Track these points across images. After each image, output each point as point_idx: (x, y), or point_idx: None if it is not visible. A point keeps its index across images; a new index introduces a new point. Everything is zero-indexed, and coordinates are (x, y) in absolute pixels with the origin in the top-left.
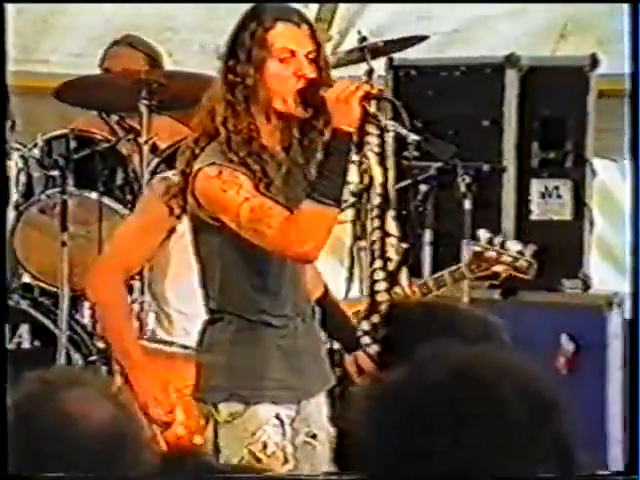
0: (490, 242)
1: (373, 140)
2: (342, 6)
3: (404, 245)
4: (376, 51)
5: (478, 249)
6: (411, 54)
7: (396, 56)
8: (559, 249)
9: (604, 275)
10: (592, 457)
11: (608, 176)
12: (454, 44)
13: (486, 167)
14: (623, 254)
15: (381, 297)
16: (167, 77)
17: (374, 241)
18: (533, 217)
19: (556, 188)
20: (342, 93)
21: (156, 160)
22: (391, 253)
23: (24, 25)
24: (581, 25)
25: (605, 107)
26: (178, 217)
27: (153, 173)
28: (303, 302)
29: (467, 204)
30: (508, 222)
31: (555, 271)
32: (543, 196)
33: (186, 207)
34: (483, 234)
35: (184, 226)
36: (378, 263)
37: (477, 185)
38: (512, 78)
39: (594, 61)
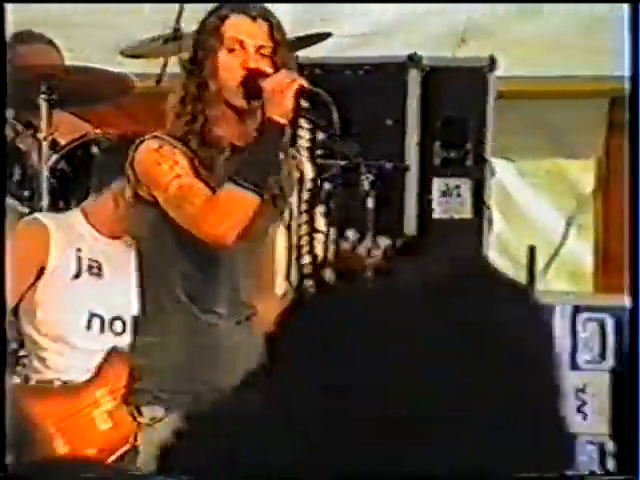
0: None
1: (305, 135)
2: None
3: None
4: None
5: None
6: (318, 53)
7: (301, 54)
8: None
9: None
10: None
11: (505, 176)
12: (361, 47)
13: (389, 166)
14: (519, 252)
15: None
16: (68, 72)
17: (301, 236)
18: (435, 215)
19: (457, 187)
20: (278, 84)
21: (55, 156)
22: (319, 249)
23: None
24: (481, 30)
25: (503, 108)
26: None
27: (52, 170)
28: (239, 304)
29: (370, 202)
30: (410, 220)
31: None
32: (444, 195)
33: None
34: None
35: (53, 264)
36: (306, 259)
37: (380, 183)
38: (414, 78)
39: (492, 62)
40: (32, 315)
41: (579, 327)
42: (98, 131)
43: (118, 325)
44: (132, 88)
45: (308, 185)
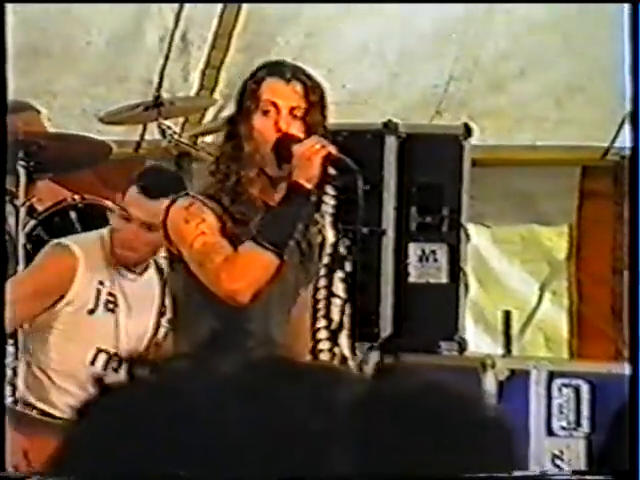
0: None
1: (329, 201)
2: (226, 71)
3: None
4: None
5: None
6: None
7: None
8: (436, 312)
9: (477, 337)
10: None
11: (480, 241)
12: (335, 116)
13: (365, 230)
14: (495, 317)
15: (324, 356)
16: (48, 138)
17: (319, 300)
18: (411, 280)
19: (433, 252)
20: (308, 150)
21: (32, 222)
22: (335, 314)
23: None
24: (455, 104)
25: (478, 176)
26: None
27: (28, 236)
28: None
29: (347, 266)
30: (387, 285)
31: (432, 333)
32: (420, 259)
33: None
34: None
35: (72, 296)
36: (322, 322)
37: (356, 248)
38: (391, 144)
39: (467, 130)
40: (42, 343)
41: (554, 393)
42: (76, 197)
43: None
44: (110, 154)
45: (328, 250)
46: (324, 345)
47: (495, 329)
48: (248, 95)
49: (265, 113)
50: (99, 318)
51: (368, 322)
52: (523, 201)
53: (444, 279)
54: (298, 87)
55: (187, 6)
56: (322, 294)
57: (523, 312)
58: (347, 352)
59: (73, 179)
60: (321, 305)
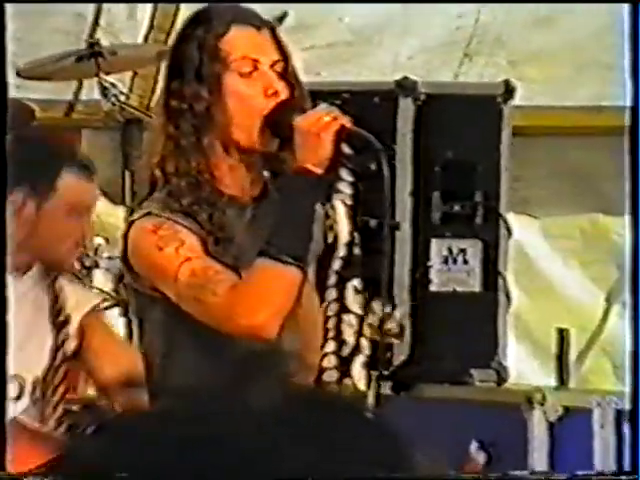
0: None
1: (345, 189)
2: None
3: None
4: None
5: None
6: None
7: None
8: (466, 330)
9: (523, 364)
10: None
11: (526, 237)
12: (332, 63)
13: (373, 223)
14: (546, 337)
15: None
16: None
17: (328, 317)
18: (433, 288)
19: (462, 251)
20: (315, 124)
21: None
22: (348, 335)
23: None
24: (490, 42)
25: (522, 149)
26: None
27: None
28: None
29: (362, 274)
30: (402, 293)
31: (462, 359)
32: (446, 261)
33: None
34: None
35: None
36: (331, 346)
37: (362, 247)
38: (406, 109)
39: (509, 89)
40: None
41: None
42: None
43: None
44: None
45: (342, 252)
46: (331, 376)
47: (546, 353)
48: (208, 54)
49: (245, 75)
50: None
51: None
52: (582, 182)
53: (477, 287)
54: (268, 34)
55: None
56: (332, 309)
57: (584, 331)
58: (362, 385)
59: None
60: (331, 324)
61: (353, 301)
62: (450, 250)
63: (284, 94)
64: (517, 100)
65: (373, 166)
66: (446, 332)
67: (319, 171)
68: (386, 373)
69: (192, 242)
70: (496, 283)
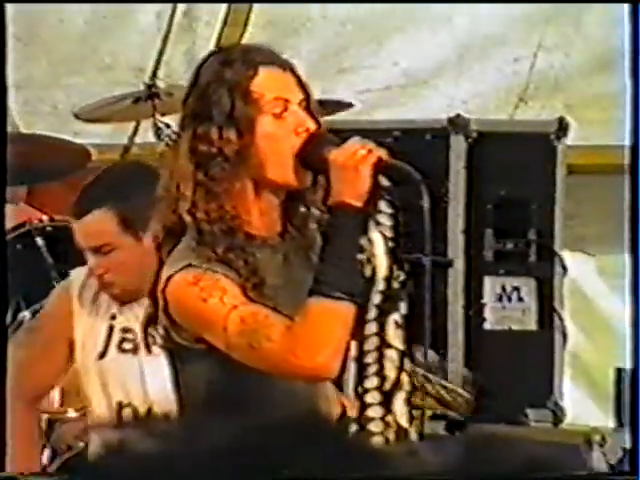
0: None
1: (384, 221)
2: None
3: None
4: None
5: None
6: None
7: None
8: (521, 369)
9: (580, 405)
10: None
11: (581, 274)
12: (385, 105)
13: (427, 260)
14: (605, 377)
15: (375, 427)
16: (13, 142)
17: (368, 351)
18: (487, 326)
19: (516, 289)
20: (351, 157)
21: None
22: (389, 370)
23: None
24: (546, 87)
25: (577, 187)
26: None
27: None
28: None
29: (402, 308)
30: (456, 332)
31: (517, 398)
32: (500, 298)
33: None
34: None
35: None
36: (373, 382)
37: (415, 284)
38: (458, 146)
39: (562, 127)
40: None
41: None
42: (44, 218)
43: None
44: (89, 161)
45: (381, 286)
46: (375, 412)
47: (605, 392)
48: (239, 97)
49: (277, 116)
50: (114, 362)
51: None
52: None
53: (532, 325)
54: (291, 74)
55: None
56: (372, 343)
57: None
58: (404, 422)
59: (40, 193)
60: (370, 359)
61: (394, 336)
62: (504, 288)
63: (313, 128)
64: (573, 139)
65: (426, 198)
66: (501, 370)
67: (358, 204)
68: (438, 413)
69: (234, 289)
70: (552, 321)
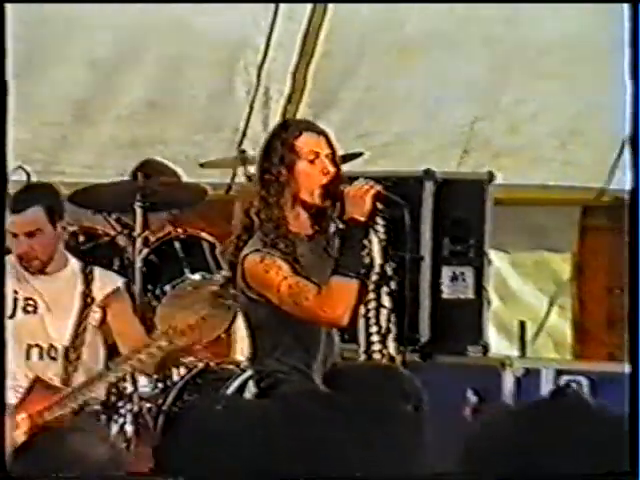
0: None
1: (380, 230)
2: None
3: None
4: None
5: None
6: (344, 167)
7: None
8: (464, 322)
9: (498, 343)
10: None
11: (501, 265)
12: (384, 157)
13: (407, 256)
14: (513, 326)
15: (376, 356)
16: (162, 184)
17: (369, 310)
18: (444, 296)
19: (462, 273)
20: (359, 190)
21: (146, 250)
22: (383, 321)
23: (44, 141)
24: (480, 142)
25: (499, 212)
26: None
27: (144, 260)
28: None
29: (392, 285)
30: (425, 300)
31: (461, 339)
32: (452, 280)
33: (236, 292)
34: None
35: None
36: (374, 328)
37: (401, 270)
38: (429, 188)
39: (490, 176)
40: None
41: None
42: (180, 230)
43: (52, 352)
44: (206, 196)
45: (377, 270)
46: (376, 347)
47: (513, 336)
48: (288, 148)
49: (310, 161)
50: (20, 320)
51: (410, 330)
52: (536, 232)
53: (471, 295)
54: (323, 139)
55: (268, 63)
56: (372, 305)
57: (535, 322)
58: (394, 353)
59: (178, 216)
60: (371, 314)
61: (386, 301)
62: (454, 273)
63: (333, 171)
64: (497, 181)
65: (407, 217)
66: (452, 323)
67: (362, 219)
68: (416, 348)
69: (284, 266)
70: (482, 293)
